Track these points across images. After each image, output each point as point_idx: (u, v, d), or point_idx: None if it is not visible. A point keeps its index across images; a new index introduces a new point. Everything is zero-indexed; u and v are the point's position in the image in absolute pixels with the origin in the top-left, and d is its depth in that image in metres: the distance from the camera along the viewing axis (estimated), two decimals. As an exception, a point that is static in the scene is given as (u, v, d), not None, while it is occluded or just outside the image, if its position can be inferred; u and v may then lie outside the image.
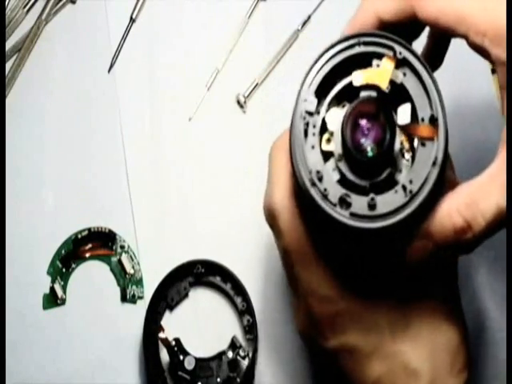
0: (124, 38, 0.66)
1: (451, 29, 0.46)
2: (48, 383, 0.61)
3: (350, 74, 0.47)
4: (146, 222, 0.63)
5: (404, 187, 0.45)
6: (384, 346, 0.49)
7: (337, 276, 0.50)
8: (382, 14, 0.48)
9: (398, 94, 0.46)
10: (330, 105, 0.47)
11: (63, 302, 0.63)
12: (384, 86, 0.46)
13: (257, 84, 0.65)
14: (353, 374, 0.50)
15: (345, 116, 0.45)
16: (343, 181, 0.46)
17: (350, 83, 0.47)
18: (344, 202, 0.45)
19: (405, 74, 0.46)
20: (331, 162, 0.46)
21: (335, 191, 0.45)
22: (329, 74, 0.47)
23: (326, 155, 0.46)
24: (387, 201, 0.45)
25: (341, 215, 0.45)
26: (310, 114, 0.46)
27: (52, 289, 0.62)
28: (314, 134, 0.46)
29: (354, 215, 0.45)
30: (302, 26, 0.66)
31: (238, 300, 0.62)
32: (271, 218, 0.51)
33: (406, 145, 0.46)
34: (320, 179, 0.45)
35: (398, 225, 0.45)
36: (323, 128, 0.47)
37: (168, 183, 0.64)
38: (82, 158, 0.65)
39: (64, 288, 0.63)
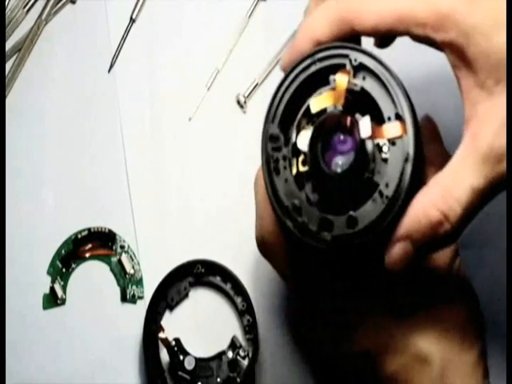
0: (124, 38, 0.66)
1: (392, 31, 0.46)
2: (48, 383, 0.61)
3: (315, 91, 0.47)
4: (146, 222, 0.63)
5: (381, 193, 0.44)
6: (394, 341, 0.50)
7: (337, 291, 0.50)
8: (319, 38, 0.48)
9: (363, 99, 0.46)
10: (299, 127, 0.47)
11: (63, 301, 0.63)
12: (340, 104, 0.45)
13: (257, 84, 0.65)
14: (367, 373, 0.51)
15: (311, 139, 0.45)
16: (323, 198, 0.46)
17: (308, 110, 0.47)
18: (325, 225, 0.45)
19: (364, 78, 0.46)
20: (309, 184, 0.46)
21: (315, 218, 0.45)
22: (291, 101, 0.47)
23: (305, 176, 0.46)
24: (367, 213, 0.44)
25: (322, 242, 0.45)
26: (278, 149, 0.46)
27: (52, 289, 0.62)
28: (285, 168, 0.46)
29: (335, 238, 0.45)
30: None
31: (238, 300, 0.62)
32: (262, 249, 0.53)
33: (382, 141, 0.45)
34: (299, 211, 0.45)
35: (381, 233, 0.44)
36: (297, 151, 0.46)
37: (168, 183, 0.64)
38: (82, 158, 0.65)
39: (64, 288, 0.63)
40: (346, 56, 0.46)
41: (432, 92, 0.63)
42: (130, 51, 0.66)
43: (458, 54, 0.45)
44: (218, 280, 0.62)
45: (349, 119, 0.45)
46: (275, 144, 0.47)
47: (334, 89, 0.46)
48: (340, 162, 0.45)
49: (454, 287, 0.51)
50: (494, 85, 0.44)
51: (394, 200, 0.44)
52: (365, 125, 0.45)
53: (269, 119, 0.47)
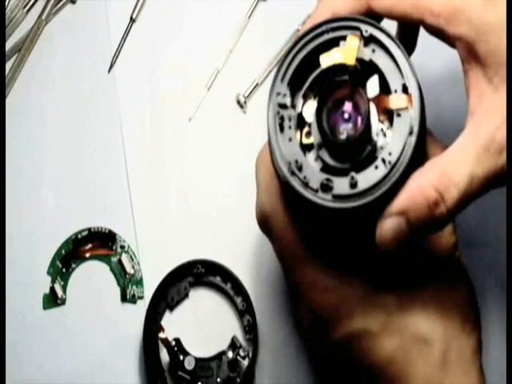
0: (124, 38, 0.66)
1: (407, 16, 0.47)
2: (48, 383, 0.61)
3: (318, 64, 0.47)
4: (146, 222, 0.63)
5: (383, 160, 0.45)
6: (392, 321, 0.49)
7: (333, 266, 0.50)
8: (338, 11, 0.49)
9: (370, 71, 0.46)
10: (306, 98, 0.47)
11: (63, 302, 0.63)
12: (351, 62, 0.46)
13: (257, 84, 0.65)
14: (364, 359, 0.50)
15: (318, 102, 0.46)
16: (325, 168, 0.46)
17: (322, 72, 0.47)
18: (326, 187, 0.45)
19: (374, 51, 0.46)
20: (312, 153, 0.47)
21: (316, 178, 0.45)
22: (300, 66, 0.47)
23: (308, 148, 0.47)
24: (368, 177, 0.45)
25: (323, 200, 0.45)
26: (284, 106, 0.47)
27: (52, 289, 0.62)
28: (290, 127, 0.47)
29: (336, 197, 0.45)
30: (302, 26, 0.66)
31: (238, 300, 0.62)
32: (264, 224, 0.52)
33: (387, 123, 0.46)
34: (299, 168, 0.46)
35: (381, 198, 0.45)
36: (302, 122, 0.47)
37: (168, 183, 0.64)
38: (82, 157, 0.65)
39: (64, 288, 0.63)
40: (358, 28, 0.47)
41: (437, 90, 0.63)
42: (129, 51, 0.66)
43: (469, 49, 0.46)
44: (218, 280, 0.62)
45: (356, 89, 0.46)
46: (282, 100, 0.47)
47: (346, 48, 0.47)
48: (345, 129, 0.46)
49: (454, 271, 0.51)
50: (500, 82, 0.45)
51: (396, 166, 0.44)
52: (373, 84, 0.46)
53: (278, 78, 0.47)
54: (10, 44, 0.66)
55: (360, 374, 0.51)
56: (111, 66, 0.66)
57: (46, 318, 0.62)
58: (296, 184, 0.46)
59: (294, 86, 0.47)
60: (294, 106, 0.47)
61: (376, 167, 0.45)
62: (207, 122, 0.65)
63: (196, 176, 0.64)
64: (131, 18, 0.66)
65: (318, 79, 0.47)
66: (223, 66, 0.66)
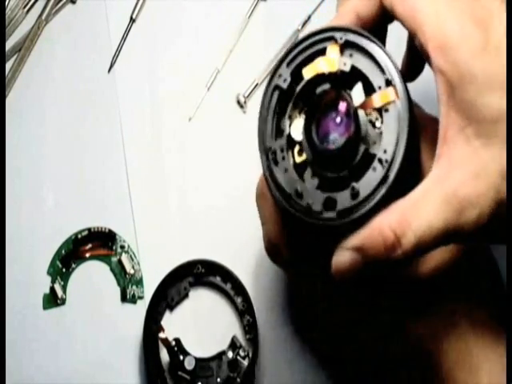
0: (124, 38, 0.66)
1: (404, 22, 0.46)
2: (48, 383, 0.61)
3: (303, 78, 0.47)
4: (146, 222, 0.63)
5: (380, 160, 0.44)
6: (416, 312, 0.50)
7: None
8: (359, 10, 0.48)
9: (353, 76, 0.46)
10: (292, 118, 0.47)
11: (63, 302, 0.63)
12: (333, 69, 0.46)
13: (257, 84, 0.65)
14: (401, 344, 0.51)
15: (305, 116, 0.46)
16: (324, 182, 0.46)
17: (305, 88, 0.47)
18: (329, 205, 0.45)
19: (351, 55, 0.46)
20: (308, 170, 0.46)
21: (318, 200, 0.45)
22: (282, 94, 0.47)
23: (303, 166, 0.46)
24: (368, 181, 0.44)
25: (328, 220, 0.45)
26: (274, 140, 0.47)
27: (52, 289, 0.62)
28: (283, 158, 0.46)
29: (340, 213, 0.45)
30: (302, 26, 0.66)
31: (238, 300, 0.62)
32: (273, 255, 0.52)
33: (375, 114, 0.46)
34: (300, 196, 0.46)
35: (384, 199, 0.44)
36: (292, 142, 0.47)
37: (168, 183, 0.64)
38: (82, 158, 0.65)
39: (64, 288, 0.63)
40: (332, 37, 0.47)
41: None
42: (130, 51, 0.66)
43: (447, 89, 0.44)
44: (218, 280, 0.62)
45: (340, 93, 0.45)
46: (270, 144, 0.47)
47: (327, 58, 0.47)
48: (334, 139, 0.45)
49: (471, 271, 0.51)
50: (474, 136, 0.43)
51: (393, 163, 0.44)
52: (357, 92, 0.46)
53: (262, 114, 0.47)
54: (10, 44, 0.66)
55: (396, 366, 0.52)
56: (111, 66, 0.66)
57: (46, 318, 0.62)
58: (300, 214, 0.45)
59: (279, 115, 0.47)
60: (282, 133, 0.47)
61: (374, 169, 0.45)
62: (207, 121, 0.65)
63: (196, 176, 0.64)
64: (131, 18, 0.66)
65: (301, 95, 0.47)
66: (223, 66, 0.66)
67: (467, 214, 0.43)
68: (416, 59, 0.53)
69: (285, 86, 0.47)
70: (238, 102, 0.65)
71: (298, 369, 0.61)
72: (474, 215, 0.43)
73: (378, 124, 0.46)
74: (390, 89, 0.45)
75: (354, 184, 0.45)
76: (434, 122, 0.48)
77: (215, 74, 0.66)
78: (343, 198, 0.45)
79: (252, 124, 0.64)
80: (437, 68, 0.44)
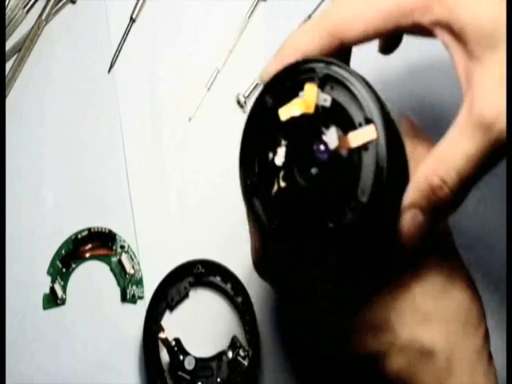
0: (124, 38, 0.66)
1: (382, 30, 0.47)
2: (48, 383, 0.61)
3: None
4: (146, 222, 0.63)
5: (357, 200, 0.43)
6: (397, 339, 0.49)
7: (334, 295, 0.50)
8: (307, 51, 0.48)
9: (334, 109, 0.45)
10: (275, 145, 0.46)
11: (63, 302, 0.63)
12: (310, 111, 0.45)
13: (257, 84, 0.65)
14: (381, 373, 0.50)
15: (285, 152, 0.45)
16: (302, 214, 0.45)
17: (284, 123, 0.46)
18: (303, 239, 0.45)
19: (332, 87, 0.45)
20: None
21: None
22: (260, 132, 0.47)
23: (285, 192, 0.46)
24: (347, 223, 0.44)
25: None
26: (252, 174, 0.47)
27: (52, 289, 0.62)
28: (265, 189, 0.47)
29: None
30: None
31: (238, 300, 0.62)
32: (260, 271, 0.53)
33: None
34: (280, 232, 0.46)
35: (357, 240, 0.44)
36: (275, 169, 0.46)
37: (168, 183, 0.64)
38: (82, 158, 0.65)
39: (64, 288, 0.63)
40: (313, 70, 0.45)
41: (434, 83, 0.63)
42: (130, 51, 0.66)
43: (447, 31, 0.46)
44: (218, 280, 0.62)
45: (318, 136, 0.45)
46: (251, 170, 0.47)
47: (303, 99, 0.45)
48: (312, 173, 0.45)
49: (452, 270, 0.51)
50: (482, 52, 0.45)
51: (370, 207, 0.43)
52: (331, 136, 0.44)
53: (245, 143, 0.48)
54: (10, 44, 0.66)
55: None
56: (111, 66, 0.66)
57: (45, 317, 0.62)
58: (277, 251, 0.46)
59: (262, 143, 0.47)
60: (265, 163, 0.46)
61: (352, 209, 0.44)
62: (207, 122, 0.65)
63: (196, 176, 0.64)
64: (131, 18, 0.66)
65: (280, 130, 0.46)
66: (223, 66, 0.66)
67: (496, 131, 0.45)
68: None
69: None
70: (238, 102, 0.65)
71: (297, 369, 0.62)
72: (501, 129, 0.45)
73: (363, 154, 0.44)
74: (371, 127, 0.44)
75: (331, 225, 0.44)
76: (427, 141, 0.49)
77: (215, 74, 0.66)
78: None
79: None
80: (430, 23, 0.46)
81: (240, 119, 0.65)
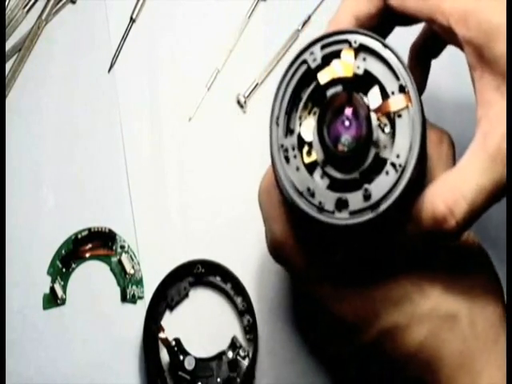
0: (124, 38, 0.66)
1: (419, 13, 0.48)
2: (48, 383, 0.61)
3: (313, 80, 0.47)
4: (146, 222, 0.63)
5: (393, 164, 0.45)
6: (417, 309, 0.49)
7: (351, 275, 0.50)
8: (359, 12, 0.49)
9: (365, 79, 0.46)
10: (301, 118, 0.47)
11: (63, 302, 0.63)
12: (349, 74, 0.46)
13: (257, 84, 0.65)
14: (396, 352, 0.50)
15: (317, 118, 0.46)
16: (334, 183, 0.46)
17: (316, 89, 0.47)
18: (341, 205, 0.45)
19: (365, 59, 0.46)
20: (318, 171, 0.46)
21: (331, 199, 0.45)
22: (293, 94, 0.47)
23: (311, 167, 0.46)
24: (381, 184, 0.45)
25: (341, 219, 0.45)
26: (285, 138, 0.47)
27: (52, 289, 0.62)
28: (295, 156, 0.46)
29: (352, 213, 0.45)
30: (302, 26, 0.66)
31: (238, 300, 0.62)
32: (278, 253, 0.52)
33: (384, 119, 0.46)
34: (313, 195, 0.46)
35: (395, 204, 0.45)
36: (301, 142, 0.47)
37: (168, 183, 0.64)
38: (82, 157, 0.65)
39: (64, 288, 0.63)
40: (346, 41, 0.47)
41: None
42: (129, 51, 0.66)
43: (477, 54, 0.46)
44: (218, 280, 0.62)
45: (353, 96, 0.46)
46: (282, 135, 0.47)
47: (342, 62, 0.47)
48: (346, 141, 0.45)
49: (467, 245, 0.51)
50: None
51: (406, 167, 0.45)
52: (374, 95, 0.46)
53: (274, 114, 0.47)
54: (10, 44, 0.66)
55: (391, 368, 0.51)
56: (111, 66, 0.66)
57: (45, 317, 0.62)
58: (313, 212, 0.45)
59: (289, 111, 0.47)
60: (292, 132, 0.47)
61: (387, 173, 0.45)
62: (207, 121, 0.65)
63: (196, 176, 0.64)
64: (131, 18, 0.66)
65: (313, 96, 0.47)
66: (223, 66, 0.66)
67: None
68: (420, 71, 0.55)
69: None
70: (238, 102, 0.65)
71: (297, 369, 0.61)
72: None
73: (386, 130, 0.46)
74: (404, 95, 0.45)
75: (367, 186, 0.45)
76: (436, 129, 0.50)
77: (215, 74, 0.66)
78: (355, 200, 0.45)
79: (252, 124, 0.65)
80: (463, 38, 0.46)
81: (240, 119, 0.65)
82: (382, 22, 0.50)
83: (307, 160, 0.46)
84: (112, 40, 0.66)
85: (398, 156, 0.45)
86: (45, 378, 0.61)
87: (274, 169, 0.47)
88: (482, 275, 0.51)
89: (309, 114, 0.47)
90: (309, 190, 0.46)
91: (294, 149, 0.47)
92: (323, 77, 0.47)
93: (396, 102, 0.46)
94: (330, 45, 0.47)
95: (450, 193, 0.45)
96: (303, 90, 0.47)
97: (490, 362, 0.49)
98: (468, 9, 0.46)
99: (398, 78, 0.46)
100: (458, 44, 0.47)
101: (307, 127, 0.47)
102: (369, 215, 0.45)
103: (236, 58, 0.66)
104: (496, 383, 0.48)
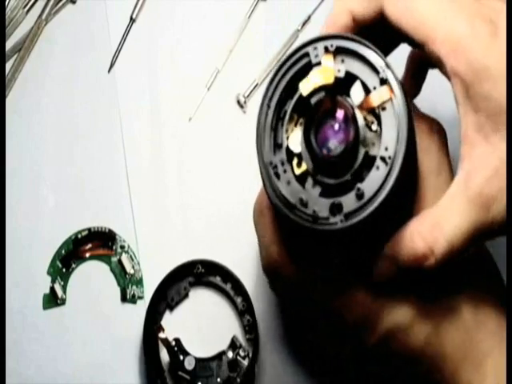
0: (124, 38, 0.66)
1: (412, 33, 0.46)
2: (48, 383, 0.61)
3: (296, 90, 0.47)
4: (145, 222, 0.63)
5: (383, 158, 0.44)
6: (420, 307, 0.49)
7: (355, 283, 0.50)
8: (354, 11, 0.49)
9: (346, 81, 0.46)
10: (288, 131, 0.47)
11: (63, 302, 0.63)
12: (330, 81, 0.46)
13: (257, 84, 0.65)
14: (403, 350, 0.50)
15: (304, 127, 0.46)
16: (326, 190, 0.46)
17: (299, 100, 0.47)
18: (335, 209, 0.45)
19: (343, 60, 0.46)
20: (309, 181, 0.46)
21: (324, 206, 0.45)
22: (277, 107, 0.47)
23: (302, 177, 0.46)
24: (372, 180, 0.44)
25: (335, 224, 0.45)
26: (274, 155, 0.47)
27: (52, 289, 0.62)
28: (285, 171, 0.46)
29: (347, 215, 0.45)
30: (302, 26, 0.66)
31: (238, 300, 0.62)
32: (275, 277, 0.52)
33: (370, 117, 0.46)
34: (306, 205, 0.46)
35: (389, 197, 0.44)
36: (290, 155, 0.47)
37: (168, 183, 0.64)
38: (82, 158, 0.65)
39: (64, 288, 0.63)
40: (315, 48, 0.47)
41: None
42: (129, 51, 0.66)
43: (463, 89, 0.45)
44: (218, 280, 0.62)
45: (336, 100, 0.45)
46: (270, 157, 0.47)
47: (322, 68, 0.47)
48: (334, 145, 0.45)
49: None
50: (492, 132, 0.44)
51: (396, 158, 0.44)
52: (356, 90, 0.46)
53: (260, 128, 0.47)
54: (10, 44, 0.66)
55: (399, 366, 0.51)
56: (111, 66, 0.66)
57: (45, 317, 0.62)
58: (307, 223, 0.45)
59: (275, 129, 0.47)
60: (280, 146, 0.47)
61: (377, 168, 0.45)
62: (207, 121, 0.65)
63: (196, 176, 0.64)
64: (131, 18, 0.66)
65: (297, 108, 0.47)
66: (223, 66, 0.66)
67: (494, 211, 0.44)
68: (416, 77, 0.54)
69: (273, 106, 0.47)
70: (238, 102, 0.65)
71: (298, 369, 0.62)
72: (500, 211, 0.44)
73: (374, 127, 0.46)
74: (385, 87, 0.45)
75: (359, 185, 0.45)
76: (426, 118, 0.49)
77: (215, 74, 0.66)
78: (349, 201, 0.45)
79: (252, 124, 0.64)
80: (452, 71, 0.45)
81: (240, 119, 0.65)
82: (385, 34, 0.49)
83: (298, 171, 0.46)
84: (112, 40, 0.66)
85: (386, 149, 0.45)
86: (45, 377, 0.61)
87: (264, 187, 0.47)
88: (484, 271, 0.51)
89: (295, 126, 0.47)
90: (301, 200, 0.46)
91: (283, 164, 0.46)
92: (305, 87, 0.47)
93: (378, 95, 0.45)
94: (304, 56, 0.47)
95: (430, 231, 0.45)
96: (287, 103, 0.47)
97: (494, 355, 0.49)
98: (461, 42, 0.45)
99: (377, 72, 0.45)
100: (446, 74, 0.46)
101: (294, 139, 0.47)
102: (363, 214, 0.44)
103: (236, 57, 0.66)
104: (500, 370, 0.48)
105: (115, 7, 0.67)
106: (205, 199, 0.64)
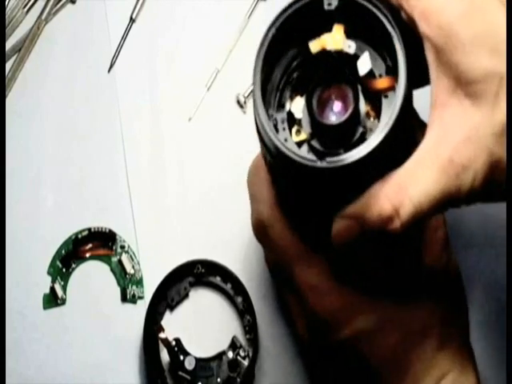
0: (124, 38, 0.66)
1: None
2: (48, 383, 0.61)
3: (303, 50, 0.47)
4: (145, 222, 0.64)
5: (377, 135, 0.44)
6: (391, 318, 0.50)
7: (333, 267, 0.50)
8: None
9: (353, 61, 0.46)
10: (293, 96, 0.48)
11: (63, 301, 0.63)
12: (339, 47, 0.46)
13: (257, 84, 0.65)
14: (370, 355, 0.50)
15: (307, 90, 0.46)
16: (319, 158, 0.46)
17: (306, 62, 0.47)
18: (322, 158, 0.45)
19: (355, 41, 0.46)
20: (304, 147, 0.47)
21: (312, 156, 0.46)
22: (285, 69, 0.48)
23: (300, 145, 0.47)
24: (360, 150, 0.44)
25: (321, 163, 0.44)
26: (276, 112, 0.47)
27: (52, 289, 0.63)
28: (284, 129, 0.47)
29: (331, 161, 0.44)
30: None
31: (238, 300, 0.62)
32: (261, 232, 0.52)
33: (372, 112, 0.46)
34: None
35: (374, 153, 0.44)
36: (292, 120, 0.47)
37: (168, 183, 0.64)
38: (82, 157, 0.65)
39: (64, 288, 0.63)
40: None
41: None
42: (130, 51, 0.66)
43: (435, 54, 0.44)
44: (218, 280, 0.62)
45: (343, 70, 0.46)
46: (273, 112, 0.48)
47: (332, 34, 0.47)
48: (335, 114, 0.45)
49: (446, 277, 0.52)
50: (464, 97, 0.43)
51: (392, 129, 0.44)
52: (364, 60, 0.46)
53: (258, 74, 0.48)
54: (10, 44, 0.66)
55: (362, 369, 0.51)
56: (111, 66, 0.66)
57: (45, 317, 0.62)
58: (296, 157, 0.45)
59: (283, 86, 0.48)
60: (283, 106, 0.47)
61: (369, 144, 0.44)
62: (207, 121, 0.65)
63: (196, 176, 0.64)
64: (131, 17, 0.66)
65: (304, 73, 0.47)
66: (223, 66, 0.66)
67: (462, 179, 0.43)
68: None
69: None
70: (238, 102, 0.65)
71: (297, 369, 0.62)
72: (468, 179, 0.43)
73: (372, 119, 0.46)
74: (390, 77, 0.45)
75: (348, 152, 0.44)
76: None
77: (215, 74, 0.66)
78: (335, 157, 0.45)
79: (252, 124, 0.64)
80: (423, 34, 0.44)
81: (240, 119, 0.65)
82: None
83: (296, 139, 0.47)
84: (112, 40, 0.66)
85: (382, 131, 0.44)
86: (45, 377, 0.61)
87: (261, 132, 0.46)
88: (449, 296, 0.52)
89: (300, 94, 0.48)
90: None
91: (283, 122, 0.47)
92: (314, 46, 0.47)
93: (382, 82, 0.46)
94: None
95: (396, 193, 0.44)
96: (295, 67, 0.48)
97: (454, 369, 0.50)
98: (432, 5, 0.44)
99: (384, 60, 0.46)
100: (420, 38, 0.45)
101: (297, 105, 0.47)
102: (347, 159, 0.44)
103: (236, 57, 0.66)
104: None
105: (115, 7, 0.67)
106: (205, 199, 0.64)
